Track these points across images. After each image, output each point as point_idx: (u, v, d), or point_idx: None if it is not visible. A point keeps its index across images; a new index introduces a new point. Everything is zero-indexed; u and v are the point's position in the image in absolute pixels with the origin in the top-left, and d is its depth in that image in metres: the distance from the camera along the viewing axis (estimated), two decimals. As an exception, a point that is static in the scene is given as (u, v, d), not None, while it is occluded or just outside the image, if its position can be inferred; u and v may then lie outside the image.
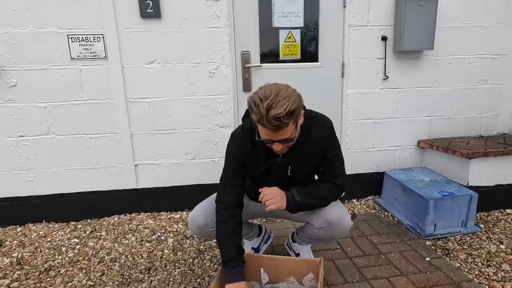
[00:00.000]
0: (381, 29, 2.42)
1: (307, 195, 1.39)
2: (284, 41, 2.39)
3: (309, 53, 2.44)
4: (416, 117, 2.61)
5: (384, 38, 2.42)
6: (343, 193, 1.48)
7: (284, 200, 1.36)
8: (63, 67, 2.19)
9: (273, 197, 1.34)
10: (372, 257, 1.87)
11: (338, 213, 1.42)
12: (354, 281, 1.66)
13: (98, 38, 2.18)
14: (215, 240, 2.05)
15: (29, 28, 2.11)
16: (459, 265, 1.78)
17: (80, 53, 2.18)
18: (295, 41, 2.40)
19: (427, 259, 1.83)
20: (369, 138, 2.60)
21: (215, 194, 1.55)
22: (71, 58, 2.18)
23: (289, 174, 1.42)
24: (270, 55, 2.41)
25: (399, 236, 2.09)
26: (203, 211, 1.51)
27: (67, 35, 2.15)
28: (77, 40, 2.16)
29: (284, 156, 1.38)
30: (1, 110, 2.19)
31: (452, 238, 2.06)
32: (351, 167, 2.63)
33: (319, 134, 1.39)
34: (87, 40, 2.17)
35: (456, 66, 2.56)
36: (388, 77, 2.49)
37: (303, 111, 1.30)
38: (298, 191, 1.39)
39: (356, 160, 2.62)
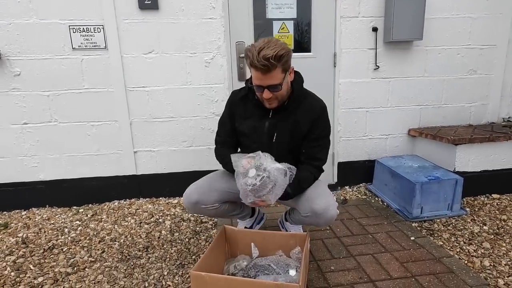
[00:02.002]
0: (372, 20, 2.49)
1: (297, 185, 1.47)
2: (278, 32, 2.47)
3: (302, 44, 2.52)
4: (407, 106, 2.69)
5: (375, 29, 2.50)
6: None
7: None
8: (65, 57, 2.28)
9: None
10: (359, 236, 1.96)
11: (324, 203, 1.44)
12: (341, 257, 1.75)
13: (98, 29, 2.27)
14: (209, 218, 2.21)
15: (32, 19, 2.20)
16: (442, 243, 1.87)
17: (81, 43, 2.27)
18: (289, 32, 2.48)
19: (412, 238, 1.91)
20: (360, 126, 2.68)
21: (210, 174, 1.70)
22: (73, 48, 2.28)
23: (273, 140, 1.52)
24: (264, 46, 2.49)
25: (387, 218, 2.18)
26: (197, 188, 1.60)
27: (69, 26, 2.24)
28: (78, 30, 2.25)
29: (272, 118, 1.50)
30: (6, 98, 2.29)
31: (438, 220, 2.15)
32: (343, 155, 2.72)
33: (310, 107, 1.51)
34: (87, 31, 2.26)
35: (446, 57, 2.63)
36: (379, 67, 2.57)
37: (293, 67, 1.44)
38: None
39: (348, 148, 2.71)
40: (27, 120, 2.35)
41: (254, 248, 1.59)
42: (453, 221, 2.13)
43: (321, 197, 1.47)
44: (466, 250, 1.79)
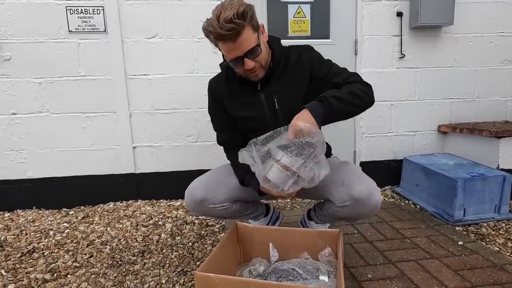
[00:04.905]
0: (396, 4, 2.28)
1: (331, 91, 1.12)
2: (293, 17, 2.26)
3: (319, 30, 2.30)
4: (436, 99, 2.43)
5: (399, 14, 2.28)
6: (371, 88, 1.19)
7: (308, 117, 1.05)
8: (60, 40, 2.08)
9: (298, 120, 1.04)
10: (395, 241, 1.64)
11: (366, 187, 1.16)
12: (377, 263, 1.43)
13: (98, 11, 2.08)
14: (215, 220, 1.87)
15: (26, -1, 2.02)
16: (498, 249, 1.55)
17: (78, 25, 2.08)
18: (305, 17, 2.27)
19: (460, 243, 1.59)
20: (385, 122, 2.41)
21: (217, 167, 1.45)
22: (69, 31, 2.08)
23: (276, 107, 1.25)
24: (278, 31, 2.27)
25: (424, 222, 1.86)
26: (202, 183, 1.32)
27: (66, 6, 2.05)
28: (76, 12, 2.06)
29: (265, 87, 1.26)
30: (-7, 85, 2.07)
31: (485, 224, 1.83)
32: (366, 154, 2.44)
33: (298, 54, 1.27)
34: (86, 12, 2.07)
35: (478, 45, 2.39)
36: (404, 55, 2.33)
37: (262, 25, 1.21)
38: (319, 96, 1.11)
39: (371, 146, 2.43)
40: (16, 110, 2.12)
41: (273, 250, 1.29)
42: (503, 225, 1.81)
43: (361, 182, 1.17)
44: (530, 257, 1.47)
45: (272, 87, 1.26)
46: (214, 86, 1.36)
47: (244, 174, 1.28)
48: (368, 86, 1.19)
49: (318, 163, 1.06)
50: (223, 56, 1.20)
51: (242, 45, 1.09)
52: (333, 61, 1.29)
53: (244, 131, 1.37)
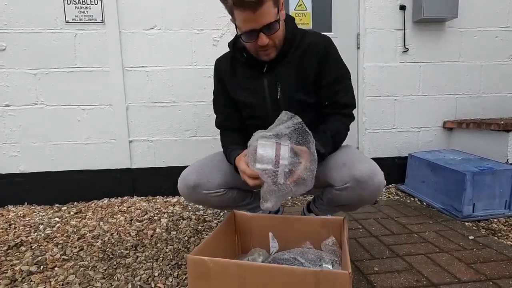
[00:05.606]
0: (399, -3, 2.25)
1: (330, 140, 1.13)
2: (295, 9, 2.23)
3: (321, 22, 2.26)
4: (441, 95, 2.37)
5: (402, 7, 2.24)
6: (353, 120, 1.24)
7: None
8: (57, 31, 2.04)
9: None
10: (402, 236, 1.56)
11: (368, 167, 1.07)
12: (384, 257, 1.35)
13: (96, 1, 2.04)
14: (212, 215, 1.77)
15: (23, -12, 1.99)
16: (511, 243, 1.46)
17: (75, 16, 2.04)
18: (306, 9, 2.23)
19: (471, 237, 1.51)
20: (388, 117, 2.35)
21: (212, 154, 1.39)
22: (66, 22, 2.04)
23: (279, 96, 1.18)
24: (279, 24, 2.23)
25: (431, 218, 1.78)
26: (196, 168, 1.24)
27: (63, -4, 2.02)
28: (73, 2, 2.03)
29: (270, 71, 1.18)
30: (-13, 76, 2.03)
31: (495, 220, 1.74)
32: (369, 151, 2.36)
33: (312, 45, 1.17)
34: (83, 3, 2.04)
35: (482, 39, 2.34)
36: (408, 49, 2.28)
37: (283, 2, 1.13)
38: (317, 139, 1.07)
39: (374, 142, 2.36)
40: (10, 102, 2.06)
41: (273, 240, 1.21)
42: (515, 221, 1.73)
43: (363, 162, 1.09)
44: (547, 251, 1.38)
45: (278, 73, 1.19)
46: (219, 66, 1.30)
47: (227, 148, 1.23)
48: (352, 120, 1.24)
49: (281, 193, 1.00)
50: (236, 27, 1.11)
51: (262, 17, 1.00)
52: (348, 73, 1.22)
53: (245, 117, 1.31)
